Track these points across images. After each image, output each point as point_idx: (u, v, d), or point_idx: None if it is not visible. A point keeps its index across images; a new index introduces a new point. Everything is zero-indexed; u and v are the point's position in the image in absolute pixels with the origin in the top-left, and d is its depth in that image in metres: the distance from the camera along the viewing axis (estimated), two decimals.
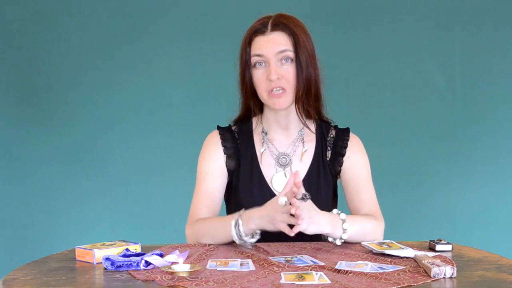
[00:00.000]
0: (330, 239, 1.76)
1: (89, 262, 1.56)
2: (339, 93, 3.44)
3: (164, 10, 3.51)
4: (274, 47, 1.86)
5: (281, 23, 1.88)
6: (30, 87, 3.51)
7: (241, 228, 1.71)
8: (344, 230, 1.73)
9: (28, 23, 3.49)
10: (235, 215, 1.74)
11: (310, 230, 1.67)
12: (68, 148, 3.50)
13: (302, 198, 1.64)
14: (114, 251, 1.57)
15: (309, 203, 1.68)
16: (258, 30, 1.89)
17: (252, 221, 1.71)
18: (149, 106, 3.51)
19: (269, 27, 1.88)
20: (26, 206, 3.51)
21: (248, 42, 1.90)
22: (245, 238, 1.71)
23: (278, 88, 1.86)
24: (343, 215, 1.74)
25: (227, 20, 3.45)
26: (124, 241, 1.66)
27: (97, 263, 1.54)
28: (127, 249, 1.57)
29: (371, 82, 3.51)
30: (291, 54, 1.86)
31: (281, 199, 1.65)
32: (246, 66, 1.91)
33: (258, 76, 1.89)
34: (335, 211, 1.76)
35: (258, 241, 1.78)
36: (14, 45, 3.50)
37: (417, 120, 3.51)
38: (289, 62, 1.87)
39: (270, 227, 1.70)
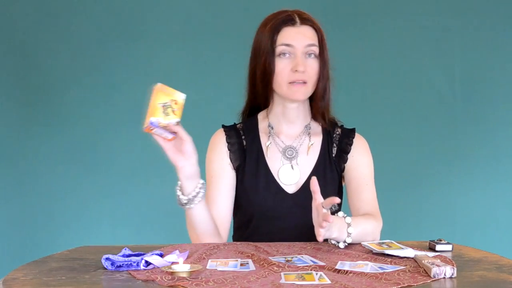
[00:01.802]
0: (333, 242, 1.74)
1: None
2: (338, 93, 3.42)
3: (163, 11, 3.50)
4: (304, 39, 1.89)
5: (309, 19, 1.92)
6: (31, 88, 3.51)
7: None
8: (349, 234, 1.71)
9: (28, 24, 3.49)
10: None
11: (325, 236, 1.66)
12: (69, 149, 3.50)
13: (330, 209, 1.64)
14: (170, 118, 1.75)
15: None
16: (287, 20, 1.90)
17: None
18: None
19: (298, 20, 1.90)
20: (27, 206, 3.51)
21: (276, 31, 1.89)
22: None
23: (300, 81, 1.88)
24: (348, 219, 1.72)
25: (227, 20, 3.45)
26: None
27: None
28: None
29: (371, 82, 3.50)
30: (316, 49, 1.90)
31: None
32: (271, 53, 1.89)
33: (282, 65, 1.90)
34: (340, 214, 1.74)
35: (258, 241, 1.77)
36: (14, 46, 3.50)
37: (417, 120, 3.51)
38: (313, 57, 1.90)
39: None
